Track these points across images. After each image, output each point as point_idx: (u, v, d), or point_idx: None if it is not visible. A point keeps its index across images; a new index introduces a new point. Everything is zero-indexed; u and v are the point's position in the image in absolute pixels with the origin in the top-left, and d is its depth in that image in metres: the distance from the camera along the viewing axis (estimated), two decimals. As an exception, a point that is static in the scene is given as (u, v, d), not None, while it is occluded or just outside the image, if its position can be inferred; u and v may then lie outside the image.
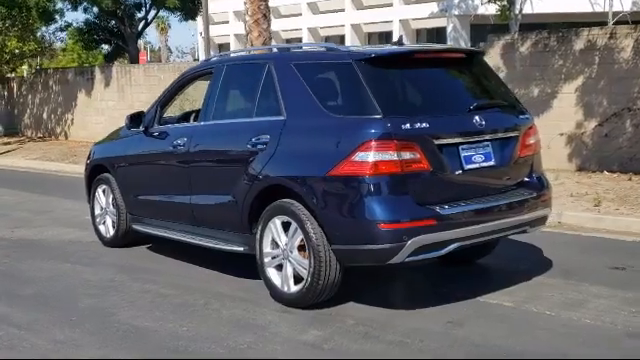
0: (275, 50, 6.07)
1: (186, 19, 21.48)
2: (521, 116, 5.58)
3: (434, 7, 26.46)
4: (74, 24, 21.83)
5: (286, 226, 5.26)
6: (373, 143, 4.74)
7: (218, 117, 6.10)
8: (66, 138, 20.86)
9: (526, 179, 5.57)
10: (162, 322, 5.09)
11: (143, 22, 21.63)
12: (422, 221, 4.77)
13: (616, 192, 9.36)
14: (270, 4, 33.85)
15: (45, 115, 21.75)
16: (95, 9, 19.77)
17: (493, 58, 12.10)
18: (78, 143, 19.23)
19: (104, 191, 7.54)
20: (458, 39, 25.93)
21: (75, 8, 18.98)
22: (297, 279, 5.23)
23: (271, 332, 4.83)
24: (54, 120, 21.42)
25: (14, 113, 23.08)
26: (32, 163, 17.01)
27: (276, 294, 5.39)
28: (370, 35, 30.87)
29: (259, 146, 5.45)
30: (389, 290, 5.82)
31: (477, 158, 5.16)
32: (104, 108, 19.46)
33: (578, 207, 8.63)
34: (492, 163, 5.26)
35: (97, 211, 7.70)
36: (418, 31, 29.54)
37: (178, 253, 6.91)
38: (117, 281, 6.25)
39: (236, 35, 32.90)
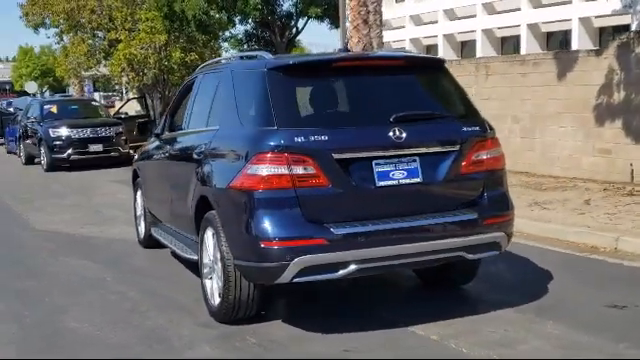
0: (232, 58, 6.00)
1: (337, 27, 21.75)
2: (467, 128, 4.96)
3: (617, 3, 24.21)
4: (239, 35, 23.13)
5: (214, 238, 5.20)
6: (263, 156, 4.53)
7: (189, 126, 6.19)
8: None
9: (474, 199, 4.96)
10: (90, 325, 5.26)
11: (294, 31, 22.33)
12: (309, 240, 4.45)
13: None
14: (444, 6, 33.24)
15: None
16: (250, 20, 20.82)
17: (608, 60, 10.89)
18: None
19: (141, 194, 7.95)
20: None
21: (229, 20, 20.08)
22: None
23: (166, 345, 4.79)
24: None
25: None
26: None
27: (208, 306, 5.33)
28: (549, 35, 29.03)
29: (201, 156, 5.45)
30: (326, 310, 5.46)
31: (397, 174, 4.70)
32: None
33: (649, 233, 7.48)
34: (418, 180, 4.76)
35: (138, 212, 8.13)
36: (601, 29, 27.21)
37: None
38: (105, 281, 6.56)
39: (411, 40, 32.71)
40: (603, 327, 4.86)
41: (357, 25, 12.38)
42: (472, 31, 30.12)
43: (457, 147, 4.87)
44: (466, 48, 31.84)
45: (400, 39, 33.55)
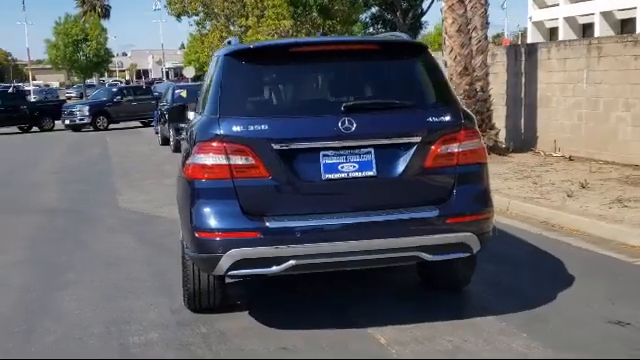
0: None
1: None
2: (433, 118, 4.48)
3: None
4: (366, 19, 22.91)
5: (185, 225, 5.17)
6: (203, 145, 4.40)
7: (198, 111, 6.19)
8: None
9: (441, 195, 4.51)
10: (78, 304, 5.48)
11: (419, 12, 21.73)
12: (242, 233, 4.27)
13: None
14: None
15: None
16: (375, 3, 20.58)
17: None
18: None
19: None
20: None
21: (352, 4, 19.91)
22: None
23: (119, 329, 4.85)
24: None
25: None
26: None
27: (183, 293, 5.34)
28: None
29: (182, 144, 5.47)
30: (299, 305, 5.24)
31: (347, 167, 4.38)
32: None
33: None
34: (372, 173, 4.39)
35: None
36: None
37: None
38: (130, 260, 6.82)
39: (565, 18, 30.89)
40: (584, 345, 4.29)
41: (451, 5, 11.79)
42: (632, 8, 27.85)
43: (418, 139, 4.44)
44: (627, 26, 29.47)
45: (553, 18, 31.85)
